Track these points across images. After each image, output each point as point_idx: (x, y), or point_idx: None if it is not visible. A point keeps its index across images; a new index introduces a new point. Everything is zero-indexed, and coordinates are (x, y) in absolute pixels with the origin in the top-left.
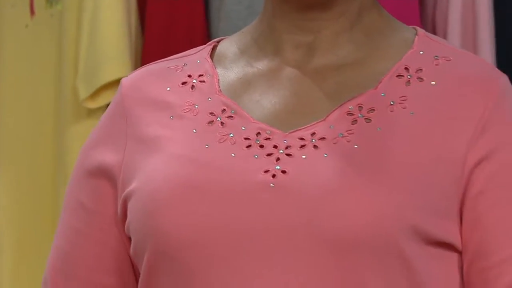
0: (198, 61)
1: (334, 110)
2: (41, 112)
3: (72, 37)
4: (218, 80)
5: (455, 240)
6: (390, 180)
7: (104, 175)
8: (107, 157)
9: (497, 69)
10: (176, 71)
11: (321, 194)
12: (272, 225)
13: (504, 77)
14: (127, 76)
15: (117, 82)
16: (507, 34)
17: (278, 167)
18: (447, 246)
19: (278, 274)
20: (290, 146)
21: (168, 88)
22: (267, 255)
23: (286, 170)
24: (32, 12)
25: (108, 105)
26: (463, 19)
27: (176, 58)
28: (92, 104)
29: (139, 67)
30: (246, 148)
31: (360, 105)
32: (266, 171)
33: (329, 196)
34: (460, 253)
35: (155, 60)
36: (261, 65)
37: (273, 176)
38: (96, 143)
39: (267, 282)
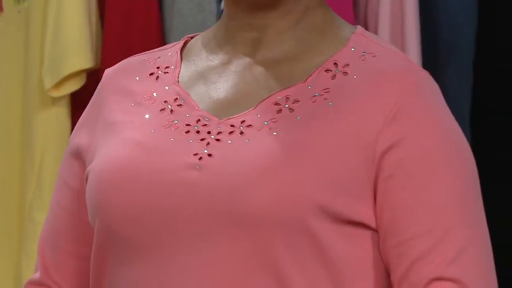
0: (170, 54)
1: (263, 100)
2: (10, 100)
3: (38, 32)
4: (179, 72)
5: (368, 219)
6: (300, 164)
7: (80, 156)
8: (82, 140)
9: (417, 65)
10: (149, 63)
11: (236, 176)
12: (194, 202)
13: (422, 73)
14: (87, 67)
15: (79, 73)
16: (432, 32)
17: (206, 151)
18: (359, 225)
19: (199, 246)
20: (221, 132)
21: (138, 78)
22: (189, 229)
23: (212, 154)
24: (0, 8)
25: (70, 94)
26: (392, 18)
27: (154, 51)
28: (56, 93)
29: (98, 60)
30: (185, 134)
31: (287, 96)
32: (195, 154)
33: (243, 177)
34: (375, 230)
35: (113, 53)
36: (216, 59)
37: (200, 158)
38: (78, 127)
39: (189, 255)
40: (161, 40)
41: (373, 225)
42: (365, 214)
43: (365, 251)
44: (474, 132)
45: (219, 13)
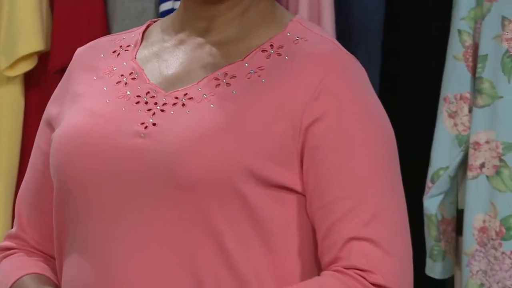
0: (133, 35)
1: (206, 76)
2: None
3: None
4: (138, 50)
5: (294, 184)
6: (233, 133)
7: (50, 124)
8: (53, 110)
9: (344, 50)
10: (115, 42)
11: (175, 143)
12: (138, 167)
13: (347, 56)
14: (39, 50)
15: (31, 55)
16: (345, 21)
17: (151, 120)
18: (286, 189)
19: (142, 206)
20: (166, 103)
21: (102, 55)
22: (133, 191)
23: (156, 123)
24: None
25: (24, 73)
26: (310, 9)
27: (122, 33)
28: (11, 73)
29: (48, 43)
30: (135, 104)
31: (226, 72)
32: (142, 123)
33: (181, 145)
34: (301, 194)
35: (62, 38)
36: (171, 41)
37: (146, 127)
38: (51, 99)
39: (133, 214)
40: (105, 26)
41: (298, 189)
42: (291, 180)
43: (291, 212)
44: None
45: (158, 2)
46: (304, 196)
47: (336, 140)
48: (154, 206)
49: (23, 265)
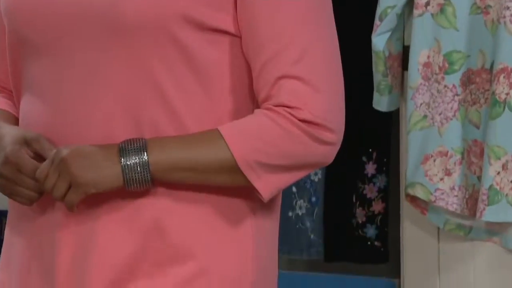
0: None
1: None
2: None
3: None
4: None
5: (228, 27)
6: None
7: None
8: None
9: None
10: None
11: None
12: (79, 12)
13: None
14: None
15: None
16: None
17: None
18: (220, 31)
19: (83, 51)
20: None
21: None
22: (76, 36)
23: None
24: None
25: None
26: None
27: None
28: None
29: None
30: None
31: None
32: None
33: None
34: (234, 36)
35: None
36: None
37: None
38: None
39: (76, 57)
40: None
41: (232, 31)
42: (226, 22)
43: (225, 53)
44: None
45: None
46: (238, 37)
47: None
48: (95, 50)
49: None
